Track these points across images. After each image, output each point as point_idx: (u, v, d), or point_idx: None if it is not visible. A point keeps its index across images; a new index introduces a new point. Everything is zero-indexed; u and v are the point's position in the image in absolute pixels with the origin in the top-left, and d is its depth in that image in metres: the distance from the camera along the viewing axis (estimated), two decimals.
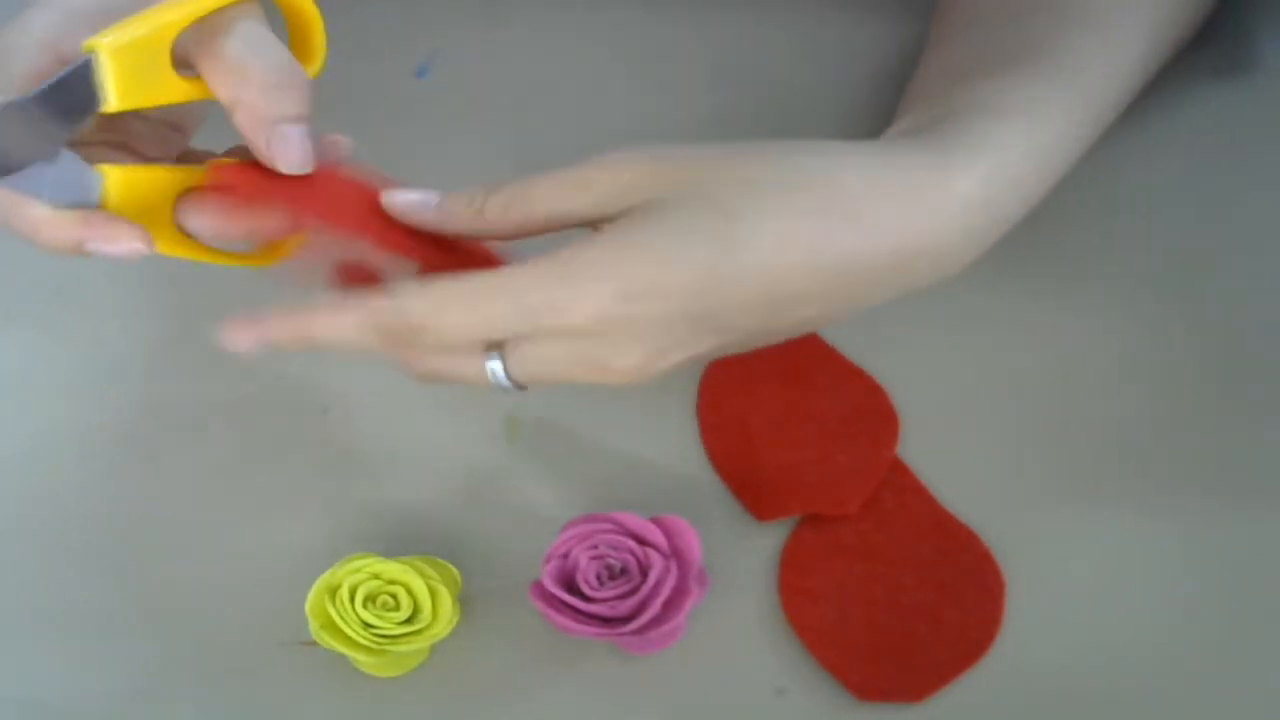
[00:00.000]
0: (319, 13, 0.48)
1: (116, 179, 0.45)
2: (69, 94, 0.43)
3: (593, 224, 0.45)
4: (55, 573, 0.53)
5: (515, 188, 0.45)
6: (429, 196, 0.47)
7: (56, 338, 0.59)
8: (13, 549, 0.53)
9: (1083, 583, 0.51)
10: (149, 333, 0.59)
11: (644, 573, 0.49)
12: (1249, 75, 0.65)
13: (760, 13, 0.68)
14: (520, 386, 0.45)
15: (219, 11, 0.44)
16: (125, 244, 0.45)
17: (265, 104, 0.44)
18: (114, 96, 0.43)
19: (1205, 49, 0.60)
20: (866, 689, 0.49)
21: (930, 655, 0.50)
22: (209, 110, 0.48)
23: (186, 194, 0.47)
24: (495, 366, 0.45)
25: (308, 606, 0.48)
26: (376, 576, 0.49)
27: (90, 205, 0.45)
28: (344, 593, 0.48)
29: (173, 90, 0.45)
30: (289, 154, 0.45)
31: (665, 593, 0.48)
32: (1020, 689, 0.49)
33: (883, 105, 0.64)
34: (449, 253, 0.47)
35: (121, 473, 0.55)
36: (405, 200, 0.47)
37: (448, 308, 0.44)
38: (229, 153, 0.48)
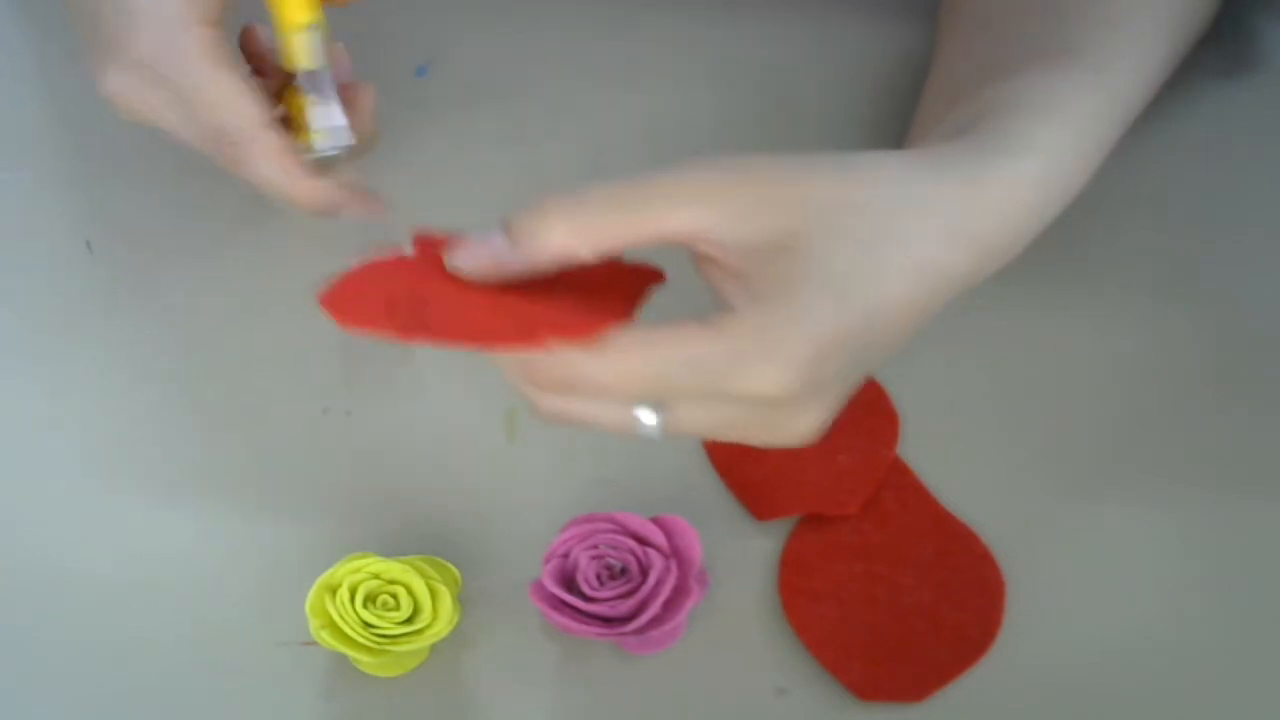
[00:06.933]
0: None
1: None
2: None
3: (686, 244, 0.42)
4: (53, 572, 0.53)
5: (604, 211, 0.41)
6: (494, 241, 0.42)
7: (55, 343, 0.59)
8: (12, 550, 0.53)
9: (1083, 583, 0.51)
10: (148, 335, 0.59)
11: (644, 573, 0.49)
12: (1252, 75, 0.65)
13: (761, 14, 0.68)
14: (664, 435, 0.42)
15: None
16: None
17: None
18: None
19: (1208, 49, 0.60)
20: (866, 689, 0.49)
21: (930, 655, 0.50)
22: None
23: None
24: (648, 418, 0.42)
25: (308, 606, 0.48)
26: (376, 576, 0.49)
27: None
28: (344, 592, 0.48)
29: None
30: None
31: (665, 593, 0.48)
32: (1020, 689, 0.49)
33: (884, 105, 0.64)
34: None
35: (119, 473, 0.55)
36: (476, 256, 0.42)
37: (621, 366, 0.40)
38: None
